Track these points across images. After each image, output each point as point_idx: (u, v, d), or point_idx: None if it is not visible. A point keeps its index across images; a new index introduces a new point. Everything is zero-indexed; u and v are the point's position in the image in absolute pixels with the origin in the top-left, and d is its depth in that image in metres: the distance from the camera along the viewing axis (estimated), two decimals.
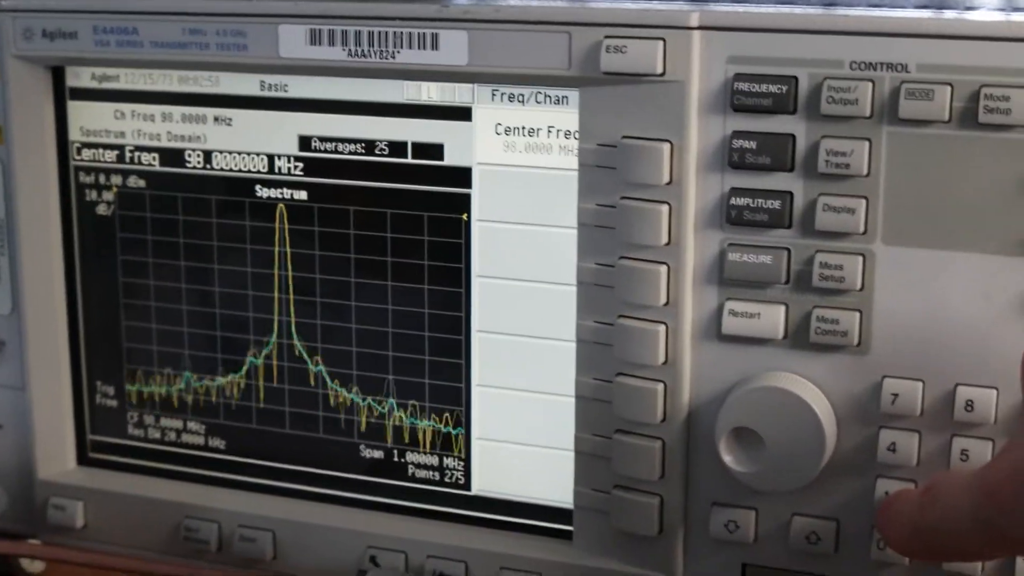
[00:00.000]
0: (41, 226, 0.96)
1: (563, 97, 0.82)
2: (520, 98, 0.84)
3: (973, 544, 0.60)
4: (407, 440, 0.91)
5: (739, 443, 0.78)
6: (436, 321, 0.88)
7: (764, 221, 0.77)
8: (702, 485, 0.82)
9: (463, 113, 0.85)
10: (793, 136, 0.76)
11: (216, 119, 0.92)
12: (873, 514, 0.78)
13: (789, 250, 0.77)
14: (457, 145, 0.86)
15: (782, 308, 0.78)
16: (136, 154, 0.94)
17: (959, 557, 0.72)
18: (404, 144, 0.87)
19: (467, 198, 0.86)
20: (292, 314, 0.92)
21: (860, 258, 0.76)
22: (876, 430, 0.78)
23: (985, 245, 0.74)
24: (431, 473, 0.91)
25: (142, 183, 0.95)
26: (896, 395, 0.76)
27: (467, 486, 0.91)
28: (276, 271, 0.92)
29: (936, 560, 0.77)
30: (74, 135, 0.96)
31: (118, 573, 0.92)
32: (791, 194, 0.76)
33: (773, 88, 0.76)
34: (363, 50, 0.84)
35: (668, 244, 0.79)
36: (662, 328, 0.80)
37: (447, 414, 0.90)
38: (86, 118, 0.95)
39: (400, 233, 0.88)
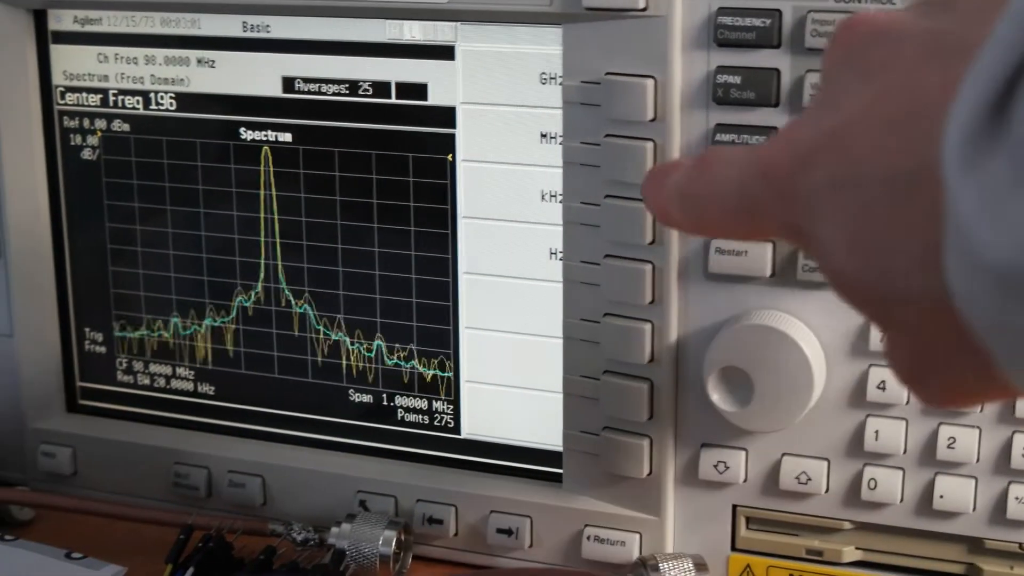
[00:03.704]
0: (26, 172, 0.95)
1: (546, 34, 0.81)
2: (503, 35, 0.82)
3: (735, 219, 0.58)
4: (396, 384, 0.90)
5: (727, 383, 0.77)
6: (423, 263, 0.88)
7: None
8: (691, 426, 0.82)
9: (446, 52, 0.84)
10: (778, 71, 0.75)
11: (199, 61, 0.91)
12: (860, 452, 0.78)
13: None
14: (441, 85, 0.85)
15: (769, 245, 0.77)
16: (120, 98, 0.94)
17: (719, 232, 0.69)
18: (388, 84, 0.86)
19: (452, 138, 0.85)
20: (279, 258, 0.91)
21: None
22: (866, 368, 0.77)
23: None
24: (420, 417, 0.91)
25: (126, 127, 0.94)
26: None
27: (456, 430, 0.90)
28: (262, 214, 0.91)
29: (696, 233, 0.74)
30: (57, 79, 0.95)
31: (108, 519, 0.91)
32: (776, 129, 0.75)
33: (757, 22, 0.74)
34: None
35: None
36: (648, 267, 0.79)
37: (436, 357, 0.89)
38: (69, 62, 0.94)
39: (385, 175, 0.87)
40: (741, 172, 0.56)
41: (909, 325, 0.49)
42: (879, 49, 0.51)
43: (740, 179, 0.56)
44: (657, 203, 0.66)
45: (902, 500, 0.79)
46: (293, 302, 0.91)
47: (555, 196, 0.83)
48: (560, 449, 0.86)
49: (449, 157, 0.85)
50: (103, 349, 0.98)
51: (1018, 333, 0.40)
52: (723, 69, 0.76)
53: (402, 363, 0.90)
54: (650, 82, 0.77)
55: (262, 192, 0.91)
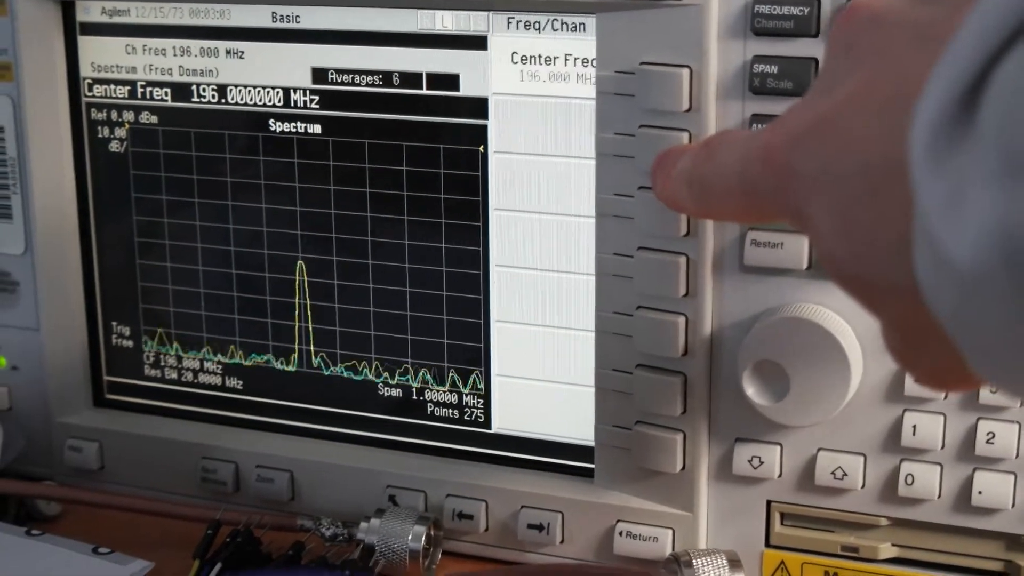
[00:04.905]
0: (53, 164, 0.95)
1: (580, 24, 0.80)
2: (536, 25, 0.82)
3: (739, 202, 0.59)
4: (426, 378, 0.90)
5: (763, 376, 0.76)
6: (454, 256, 0.87)
7: None
8: (725, 420, 0.81)
9: (478, 42, 0.83)
10: (816, 60, 0.74)
11: (228, 52, 0.90)
12: (898, 448, 0.77)
13: None
14: (473, 75, 0.84)
15: (805, 238, 0.76)
16: (148, 89, 0.93)
17: (725, 215, 0.71)
18: (419, 75, 0.85)
19: (484, 129, 0.84)
20: (308, 251, 0.90)
21: None
22: None
23: None
24: (450, 411, 0.90)
25: (154, 119, 0.93)
26: None
27: (487, 424, 0.89)
28: (292, 207, 0.90)
29: (703, 216, 0.76)
30: (85, 71, 0.94)
31: (135, 514, 0.91)
32: None
33: (795, 10, 0.74)
34: None
35: None
36: (683, 259, 0.78)
37: (466, 351, 0.88)
38: (97, 53, 0.94)
39: (416, 166, 0.86)
40: (743, 156, 0.57)
41: (893, 311, 0.49)
42: (873, 35, 0.51)
43: (742, 163, 0.57)
44: (665, 189, 0.67)
45: (940, 496, 0.78)
46: (322, 295, 0.91)
47: (588, 188, 0.82)
48: (592, 444, 0.85)
49: (481, 149, 0.85)
50: (130, 343, 0.98)
51: (978, 330, 0.40)
52: (760, 58, 0.75)
53: (432, 357, 0.89)
54: (685, 72, 0.76)
55: (292, 184, 0.90)
